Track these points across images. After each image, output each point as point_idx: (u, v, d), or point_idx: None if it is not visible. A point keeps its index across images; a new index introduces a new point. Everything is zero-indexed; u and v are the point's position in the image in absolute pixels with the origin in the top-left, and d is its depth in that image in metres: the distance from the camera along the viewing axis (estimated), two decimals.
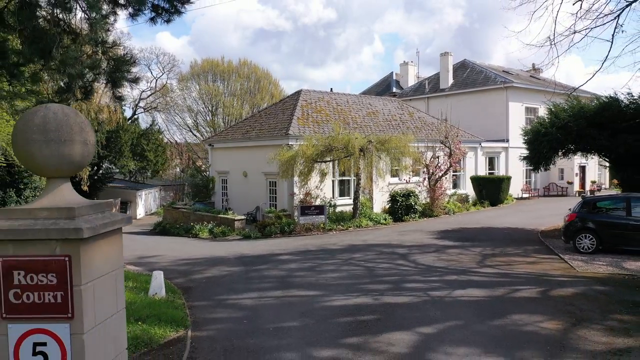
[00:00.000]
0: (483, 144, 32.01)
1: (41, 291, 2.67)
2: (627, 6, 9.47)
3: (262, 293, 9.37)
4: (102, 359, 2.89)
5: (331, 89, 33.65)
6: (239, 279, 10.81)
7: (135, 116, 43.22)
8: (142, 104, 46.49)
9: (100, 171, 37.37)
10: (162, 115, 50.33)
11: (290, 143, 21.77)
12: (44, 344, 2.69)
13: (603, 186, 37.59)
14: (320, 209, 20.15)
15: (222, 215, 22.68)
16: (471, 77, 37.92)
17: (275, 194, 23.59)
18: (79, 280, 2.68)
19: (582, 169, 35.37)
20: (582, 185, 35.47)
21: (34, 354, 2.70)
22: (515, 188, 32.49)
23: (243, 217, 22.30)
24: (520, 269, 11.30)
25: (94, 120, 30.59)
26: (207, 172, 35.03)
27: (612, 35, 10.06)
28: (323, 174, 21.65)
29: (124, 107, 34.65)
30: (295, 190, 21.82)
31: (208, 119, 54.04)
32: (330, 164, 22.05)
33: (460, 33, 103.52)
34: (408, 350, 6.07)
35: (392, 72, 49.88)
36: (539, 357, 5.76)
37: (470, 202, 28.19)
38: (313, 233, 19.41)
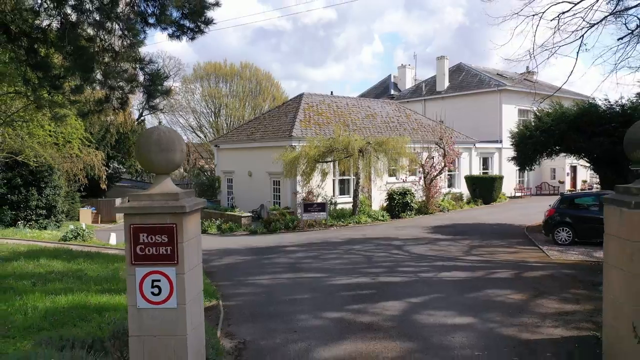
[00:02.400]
0: (477, 145, 33.46)
1: (157, 246, 4.17)
2: (588, 29, 10.99)
3: (275, 275, 10.90)
4: (192, 291, 4.40)
5: (331, 92, 35.14)
6: (253, 265, 12.33)
7: (142, 118, 44.67)
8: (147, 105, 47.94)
9: (109, 171, 38.91)
10: (167, 117, 51.71)
11: (293, 144, 23.22)
12: (159, 280, 4.19)
13: (595, 185, 38.92)
14: (322, 207, 21.58)
15: (229, 213, 24.14)
16: (466, 80, 39.34)
17: (279, 192, 25.04)
18: (182, 239, 4.17)
19: (574, 168, 36.74)
20: (574, 184, 36.86)
21: (152, 286, 4.19)
22: (509, 187, 33.96)
23: (249, 214, 23.73)
24: (501, 257, 12.79)
25: (104, 123, 32.07)
26: (209, 172, 36.43)
27: (577, 52, 11.57)
28: (324, 174, 23.12)
29: (132, 110, 36.14)
30: (298, 188, 23.27)
31: (211, 120, 55.40)
32: (331, 164, 23.51)
33: (461, 32, 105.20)
34: (399, 313, 7.59)
35: (390, 75, 51.37)
36: (501, 317, 7.28)
37: (465, 200, 29.67)
38: (315, 229, 20.84)
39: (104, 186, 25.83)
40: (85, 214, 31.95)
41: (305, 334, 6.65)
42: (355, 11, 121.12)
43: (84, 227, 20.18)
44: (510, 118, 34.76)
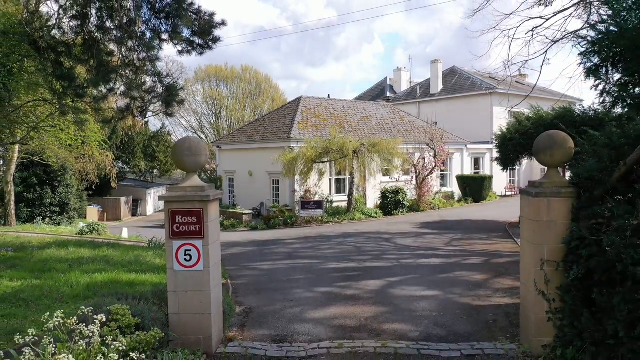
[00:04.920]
0: (469, 146, 34.89)
1: (189, 225, 5.66)
2: (551, 45, 12.47)
3: (274, 262, 12.42)
4: (214, 259, 5.90)
5: (328, 95, 36.62)
6: (255, 254, 13.85)
7: (146, 119, 46.21)
8: (151, 107, 49.42)
9: (108, 170, 40.09)
10: (169, 118, 53.19)
11: (291, 145, 24.69)
12: (190, 250, 5.68)
13: None
14: (318, 204, 23.03)
15: (231, 210, 25.61)
16: (459, 83, 40.81)
17: (278, 191, 26.51)
18: (206, 220, 5.67)
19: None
20: None
21: (185, 255, 5.68)
22: (499, 186, 35.39)
23: (250, 211, 25.20)
24: (477, 247, 14.27)
25: (110, 125, 33.52)
26: (210, 172, 37.87)
27: (541, 66, 13.07)
28: (321, 173, 24.61)
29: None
30: (297, 187, 24.75)
31: (212, 121, 56.89)
32: (328, 164, 24.99)
33: (462, 32, 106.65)
34: (377, 288, 9.10)
35: (386, 77, 52.87)
36: (461, 291, 8.78)
37: (456, 198, 31.13)
38: (312, 225, 22.28)
39: (114, 185, 27.38)
40: (92, 212, 33.40)
41: (300, 302, 8.16)
42: (355, 11, 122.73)
43: (91, 222, 21.66)
44: (501, 119, 36.17)
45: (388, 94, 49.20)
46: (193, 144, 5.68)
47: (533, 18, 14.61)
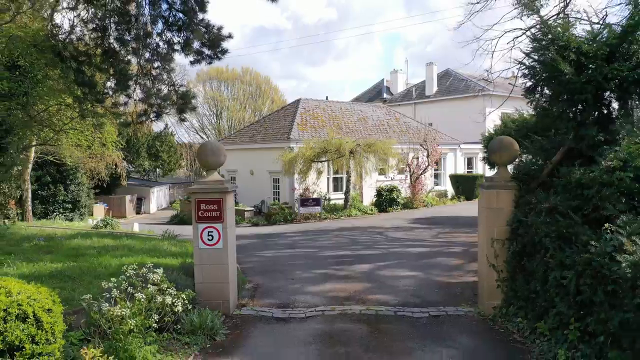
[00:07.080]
0: (462, 146, 36.21)
1: (211, 211, 7.06)
2: (524, 57, 13.86)
3: (277, 250, 13.85)
4: (231, 239, 7.31)
5: (327, 97, 38.03)
6: (259, 245, 15.27)
7: (149, 120, 47.47)
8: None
9: (119, 169, 41.24)
10: (172, 119, 54.54)
11: (291, 145, 26.04)
12: (212, 232, 7.09)
13: None
14: (317, 202, 24.36)
15: None
16: (453, 85, 42.18)
17: (278, 189, 27.85)
18: (225, 207, 7.08)
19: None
20: None
21: (208, 235, 7.08)
22: None
23: (251, 208, 26.54)
24: (461, 239, 15.65)
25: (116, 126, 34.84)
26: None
27: (516, 76, 14.41)
28: (319, 172, 25.96)
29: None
30: (296, 185, 26.11)
31: (213, 121, 58.25)
32: (326, 163, 26.35)
33: (461, 31, 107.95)
34: (367, 270, 10.54)
35: (383, 79, 54.25)
36: (438, 272, 10.22)
37: (449, 197, 32.52)
38: (311, 221, 23.62)
39: (124, 183, 28.75)
40: (99, 210, 34.70)
41: (300, 280, 9.61)
42: (355, 11, 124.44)
43: (104, 218, 23.05)
44: (493, 120, 37.52)
45: (384, 95, 50.57)
46: (214, 147, 7.10)
47: (510, 30, 16.04)
